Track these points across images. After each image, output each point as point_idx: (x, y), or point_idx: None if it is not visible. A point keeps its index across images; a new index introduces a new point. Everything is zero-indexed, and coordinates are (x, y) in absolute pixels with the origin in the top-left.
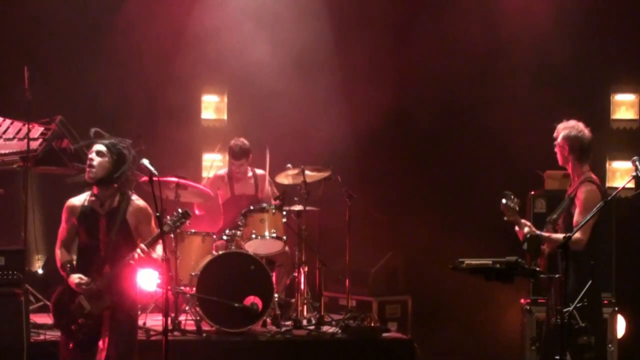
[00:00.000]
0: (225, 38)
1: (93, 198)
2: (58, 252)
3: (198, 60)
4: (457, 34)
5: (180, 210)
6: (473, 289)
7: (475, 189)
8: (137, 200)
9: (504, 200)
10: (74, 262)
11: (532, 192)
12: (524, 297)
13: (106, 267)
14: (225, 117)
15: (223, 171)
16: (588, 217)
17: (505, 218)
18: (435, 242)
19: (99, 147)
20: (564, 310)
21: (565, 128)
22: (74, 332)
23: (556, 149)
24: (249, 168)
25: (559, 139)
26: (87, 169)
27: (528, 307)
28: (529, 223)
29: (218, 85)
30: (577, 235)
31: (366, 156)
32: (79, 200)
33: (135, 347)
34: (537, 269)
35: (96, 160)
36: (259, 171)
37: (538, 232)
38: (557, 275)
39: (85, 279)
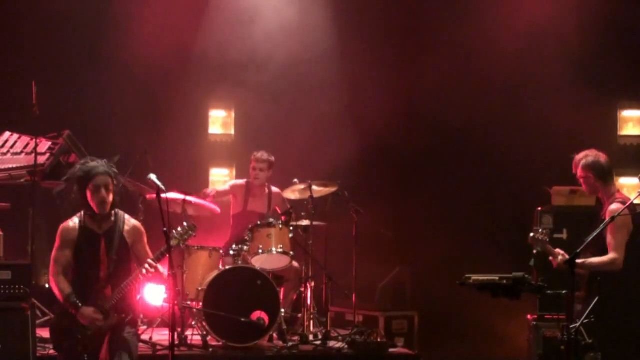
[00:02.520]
0: (232, 53)
1: (89, 219)
2: (56, 280)
3: (205, 76)
4: (465, 52)
5: (186, 224)
6: (480, 305)
7: (483, 205)
8: (131, 219)
9: (531, 234)
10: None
11: (539, 208)
12: (531, 313)
13: (108, 289)
14: (232, 132)
15: (243, 181)
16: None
17: (534, 251)
18: (443, 258)
19: (106, 180)
20: (571, 326)
21: (582, 158)
22: (79, 354)
23: (581, 182)
24: (266, 184)
25: (580, 171)
26: (99, 205)
27: (535, 323)
28: (562, 251)
29: (225, 101)
30: (613, 255)
31: (374, 171)
32: (74, 222)
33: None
34: (544, 285)
35: (108, 196)
36: (274, 189)
37: (579, 260)
38: (564, 292)
39: (99, 314)
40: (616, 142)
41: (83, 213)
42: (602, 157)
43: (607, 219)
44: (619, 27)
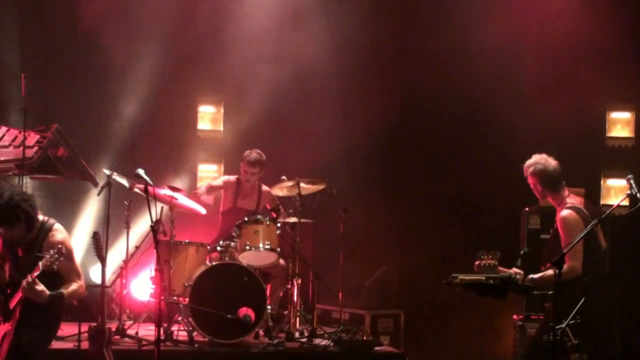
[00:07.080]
0: (222, 49)
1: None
2: None
3: (195, 71)
4: (457, 52)
5: (57, 249)
6: (466, 305)
7: (470, 204)
8: (57, 234)
9: (477, 262)
10: None
11: (527, 209)
12: (517, 313)
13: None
14: (221, 128)
15: (234, 177)
16: (577, 239)
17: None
18: (430, 257)
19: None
20: (557, 327)
21: (530, 165)
22: None
23: (532, 188)
24: (256, 182)
25: (529, 178)
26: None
27: (521, 323)
28: (518, 270)
29: (214, 96)
30: (570, 262)
31: (362, 169)
32: None
33: None
34: (530, 285)
35: (9, 235)
36: (264, 187)
37: (531, 275)
38: (550, 292)
39: None
40: (604, 143)
41: None
42: (551, 165)
43: (558, 225)
44: (607, 28)
